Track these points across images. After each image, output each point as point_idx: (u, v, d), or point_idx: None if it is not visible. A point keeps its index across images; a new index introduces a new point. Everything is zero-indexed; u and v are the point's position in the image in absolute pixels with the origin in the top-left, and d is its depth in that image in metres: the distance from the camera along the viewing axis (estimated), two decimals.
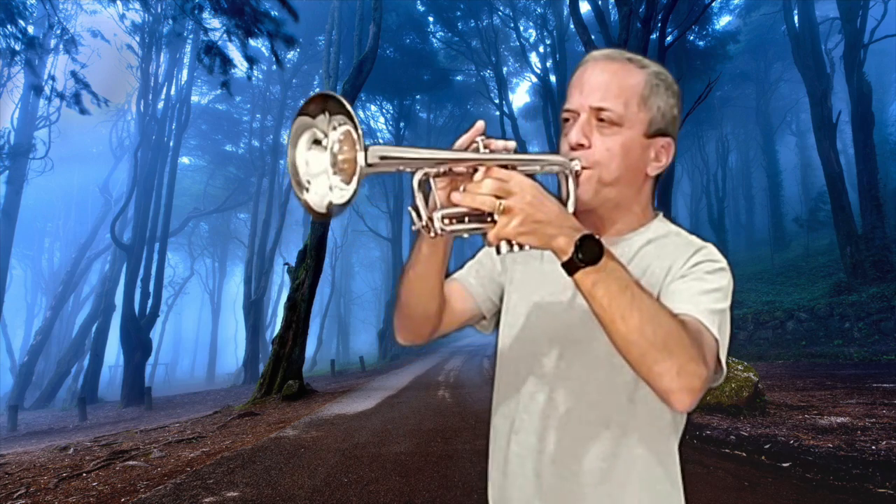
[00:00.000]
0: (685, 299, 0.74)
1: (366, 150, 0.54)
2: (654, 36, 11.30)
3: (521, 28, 28.08)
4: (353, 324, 47.39)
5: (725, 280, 0.78)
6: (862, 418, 5.31)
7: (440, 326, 0.91)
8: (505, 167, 0.66)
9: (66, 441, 8.84)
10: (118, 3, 15.25)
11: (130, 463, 5.60)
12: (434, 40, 29.78)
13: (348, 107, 0.55)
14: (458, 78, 32.43)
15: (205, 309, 47.64)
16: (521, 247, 0.65)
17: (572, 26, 18.12)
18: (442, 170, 0.66)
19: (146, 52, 20.66)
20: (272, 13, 9.69)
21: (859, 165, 15.89)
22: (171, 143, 22.57)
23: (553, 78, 25.72)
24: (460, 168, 0.66)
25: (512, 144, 0.68)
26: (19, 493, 4.63)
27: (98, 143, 34.37)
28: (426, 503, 3.74)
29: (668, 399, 0.65)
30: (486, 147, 0.67)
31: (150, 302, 19.79)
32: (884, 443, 4.32)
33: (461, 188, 0.65)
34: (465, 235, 0.68)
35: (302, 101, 0.60)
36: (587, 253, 0.63)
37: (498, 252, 0.66)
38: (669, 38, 12.16)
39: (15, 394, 20.03)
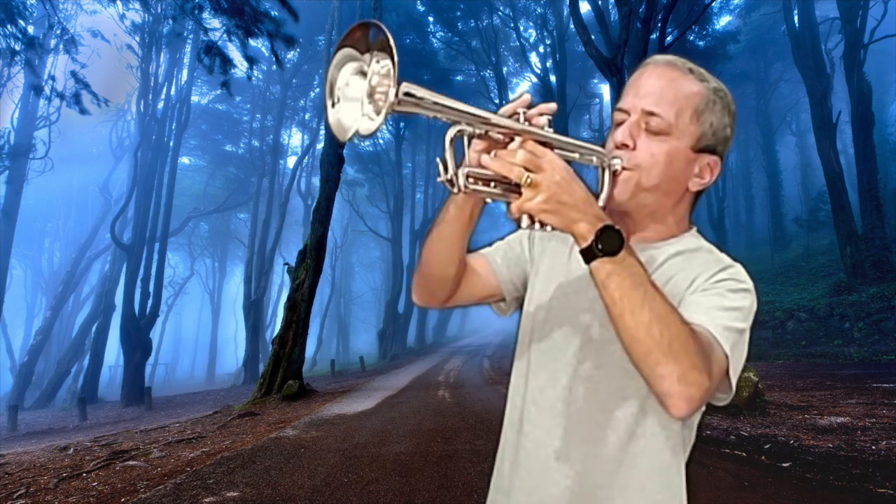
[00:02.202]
0: (701, 311, 0.73)
1: (399, 84, 0.56)
2: (654, 36, 11.31)
3: (521, 28, 28.09)
4: (353, 324, 47.40)
5: (748, 301, 0.76)
6: (862, 418, 5.31)
7: (457, 294, 0.91)
8: (543, 144, 0.66)
9: (66, 441, 8.84)
10: (118, 3, 15.25)
11: (130, 463, 5.60)
12: (434, 40, 29.79)
13: (391, 40, 0.57)
14: (458, 78, 32.42)
15: (205, 309, 47.65)
16: (542, 226, 0.65)
17: (572, 26, 18.10)
18: (479, 131, 0.66)
19: (146, 52, 20.66)
20: (272, 13, 9.70)
21: (859, 165, 15.88)
22: (171, 143, 22.57)
23: (553, 78, 25.71)
24: (497, 134, 0.66)
25: (553, 107, 0.69)
26: (19, 493, 4.63)
27: (98, 143, 34.39)
28: (426, 503, 3.74)
29: (666, 403, 0.65)
30: (527, 120, 0.67)
31: (150, 302, 19.80)
32: (884, 443, 4.32)
33: (493, 153, 0.65)
34: (489, 200, 0.69)
35: (346, 30, 0.63)
36: (607, 243, 0.63)
37: (518, 226, 0.66)
38: (669, 38, 12.17)
39: (15, 394, 20.04)
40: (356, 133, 0.60)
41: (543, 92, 25.21)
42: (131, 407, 16.69)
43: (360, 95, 0.61)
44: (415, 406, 8.65)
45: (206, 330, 44.30)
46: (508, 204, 0.66)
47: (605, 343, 0.81)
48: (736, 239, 31.86)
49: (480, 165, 0.66)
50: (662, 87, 0.79)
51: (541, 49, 28.85)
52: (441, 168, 0.65)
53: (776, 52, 27.38)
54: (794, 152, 35.02)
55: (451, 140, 0.65)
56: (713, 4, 19.89)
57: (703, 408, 0.77)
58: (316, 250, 12.48)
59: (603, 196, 0.75)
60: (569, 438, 0.81)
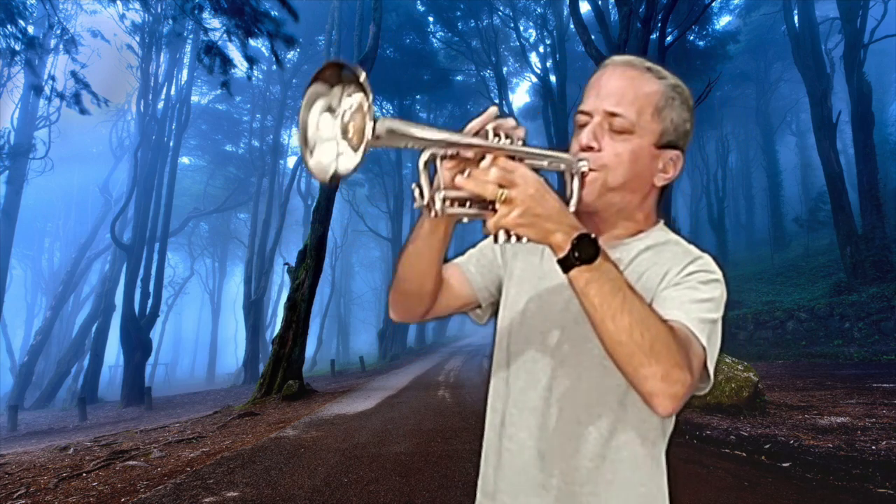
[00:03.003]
0: (676, 306, 0.75)
1: (375, 121, 0.55)
2: (654, 36, 11.30)
3: (521, 28, 28.07)
4: (353, 324, 47.40)
5: (718, 292, 0.78)
6: (862, 418, 5.31)
7: (434, 308, 0.91)
8: (512, 158, 0.67)
9: (66, 441, 8.84)
10: (118, 3, 15.25)
11: (130, 463, 5.60)
12: (434, 40, 29.77)
13: (362, 77, 0.56)
14: (458, 78, 32.42)
15: (205, 309, 47.66)
16: (518, 238, 0.66)
17: (572, 26, 18.11)
18: (450, 152, 0.66)
19: (146, 52, 20.66)
20: (272, 13, 9.69)
21: (859, 165, 15.88)
22: (171, 143, 22.56)
23: (553, 78, 25.71)
24: (468, 153, 0.67)
25: (521, 132, 0.69)
26: (19, 493, 4.63)
27: (98, 143, 34.39)
28: (426, 503, 3.74)
29: (651, 402, 0.66)
30: (496, 131, 0.67)
31: (150, 302, 19.79)
32: (884, 443, 4.32)
33: (466, 173, 0.66)
34: (465, 220, 0.70)
35: (317, 69, 0.61)
36: (583, 251, 0.64)
37: (496, 240, 0.67)
38: (669, 38, 12.16)
39: (15, 394, 20.03)
40: (335, 173, 0.59)
41: (543, 92, 25.22)
42: (131, 407, 16.69)
43: (333, 134, 0.60)
44: (415, 406, 8.65)
45: (206, 330, 44.32)
46: (484, 221, 0.67)
47: (583, 342, 0.83)
48: (736, 239, 31.87)
49: (454, 186, 0.66)
50: (623, 87, 0.81)
51: (541, 49, 28.85)
52: (416, 193, 0.66)
53: (776, 52, 27.38)
54: (794, 152, 35.03)
55: (426, 164, 0.65)
56: (713, 4, 19.90)
57: None
58: (316, 250, 12.48)
59: (573, 201, 0.77)
60: (551, 438, 0.83)
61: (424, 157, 0.65)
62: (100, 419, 14.23)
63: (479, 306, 0.97)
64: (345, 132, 0.59)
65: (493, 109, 0.69)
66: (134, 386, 17.98)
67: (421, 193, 0.66)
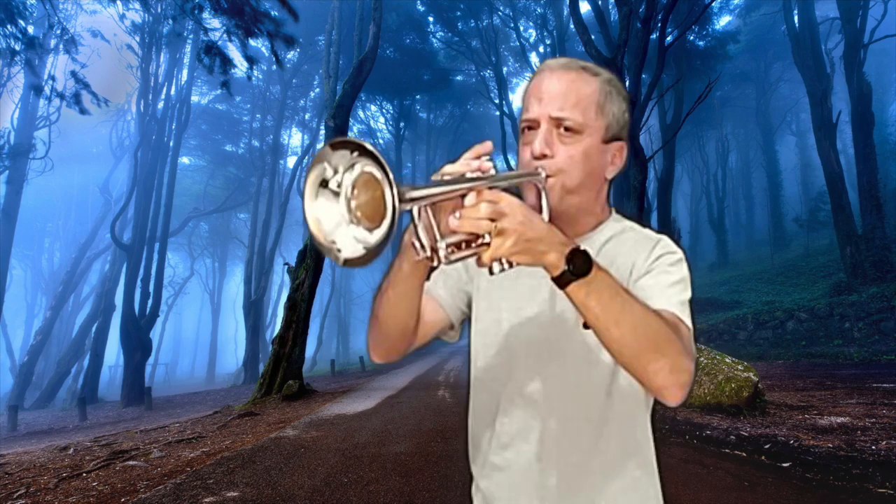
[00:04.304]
0: (657, 294, 0.77)
1: (397, 187, 0.52)
2: (654, 36, 11.31)
3: (521, 28, 28.08)
4: (353, 324, 47.35)
5: (685, 270, 0.82)
6: (862, 418, 5.31)
7: (415, 341, 0.91)
8: (491, 188, 0.66)
9: (66, 441, 8.84)
10: (118, 3, 15.25)
11: (130, 463, 5.60)
12: (434, 40, 29.78)
13: (369, 146, 0.53)
14: (458, 78, 32.43)
15: (205, 309, 47.65)
16: (510, 265, 0.66)
17: (572, 26, 18.10)
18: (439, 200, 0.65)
19: (146, 52, 20.65)
20: (272, 13, 9.68)
21: (859, 165, 15.88)
22: (171, 143, 22.56)
23: None
24: (458, 194, 0.66)
25: (489, 165, 0.68)
26: (19, 493, 4.63)
27: (98, 143, 34.37)
28: (426, 503, 3.74)
29: (662, 395, 0.68)
30: (477, 171, 0.67)
31: (150, 302, 19.79)
32: (884, 443, 4.32)
33: (456, 214, 0.64)
34: (466, 260, 0.68)
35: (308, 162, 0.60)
36: (578, 266, 0.65)
37: (491, 273, 0.66)
38: (669, 38, 12.17)
39: (15, 394, 20.03)
40: (367, 250, 0.56)
41: None
42: (131, 407, 16.69)
43: (338, 220, 0.58)
44: (415, 406, 8.65)
45: (206, 330, 44.33)
46: (478, 257, 0.66)
47: (563, 339, 0.84)
48: (736, 239, 31.86)
49: (449, 230, 0.65)
50: (564, 90, 0.82)
51: (541, 49, 28.85)
52: (417, 247, 0.64)
53: (776, 52, 27.38)
54: (794, 152, 35.03)
55: (419, 215, 0.64)
56: (713, 4, 19.89)
57: None
58: (316, 250, 12.48)
59: (545, 211, 0.78)
60: (546, 439, 0.83)
61: (416, 211, 0.64)
62: (100, 419, 14.23)
63: (453, 326, 0.96)
64: (350, 212, 0.58)
65: (475, 149, 0.69)
66: (134, 386, 17.97)
67: (422, 246, 0.65)
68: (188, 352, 54.72)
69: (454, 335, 0.99)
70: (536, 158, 0.82)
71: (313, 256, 12.41)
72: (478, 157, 0.68)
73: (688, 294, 0.79)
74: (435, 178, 0.66)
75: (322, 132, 22.58)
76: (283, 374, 11.60)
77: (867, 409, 5.83)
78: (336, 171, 0.58)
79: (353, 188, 0.57)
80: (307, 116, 31.79)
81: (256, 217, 28.11)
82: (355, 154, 0.55)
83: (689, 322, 0.76)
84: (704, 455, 4.59)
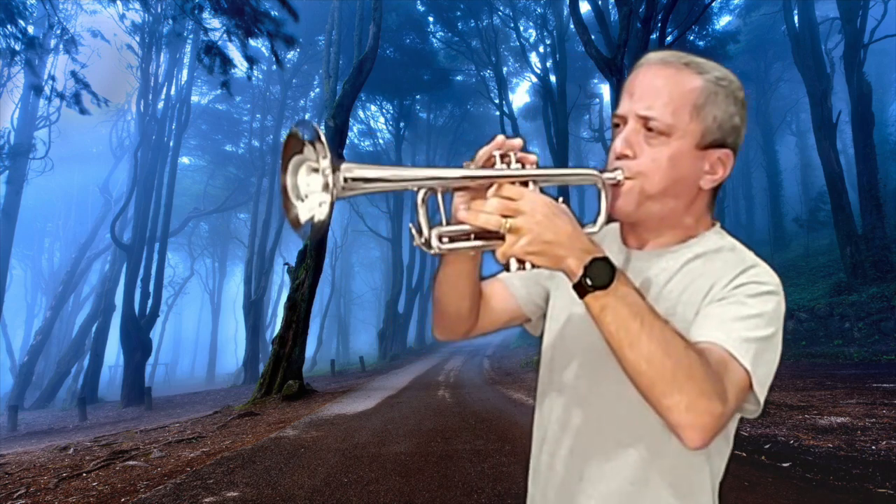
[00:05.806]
0: (716, 325, 0.69)
1: (336, 168, 0.56)
2: (654, 36, 11.31)
3: (521, 28, 28.04)
4: (353, 324, 47.40)
5: (771, 305, 0.72)
6: (862, 418, 5.31)
7: (477, 325, 0.90)
8: (525, 184, 0.65)
9: (66, 441, 8.84)
10: (118, 3, 15.25)
11: (130, 463, 5.60)
12: (434, 40, 29.76)
13: (317, 129, 0.57)
14: (458, 78, 32.40)
15: (205, 309, 47.65)
16: (532, 265, 0.64)
17: (572, 26, 18.10)
18: (455, 186, 0.65)
19: (146, 52, 20.66)
20: (272, 13, 9.68)
21: (859, 165, 15.87)
22: (171, 143, 22.57)
23: (553, 78, 25.71)
24: (474, 184, 0.65)
25: (532, 157, 0.66)
26: (19, 493, 4.63)
27: (98, 143, 34.38)
28: (426, 503, 3.74)
29: (679, 434, 0.62)
30: (504, 158, 0.66)
31: (150, 302, 19.80)
32: (884, 443, 4.32)
33: (468, 206, 0.64)
34: (472, 252, 0.68)
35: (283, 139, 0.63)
36: (596, 276, 0.62)
37: (507, 270, 0.65)
38: (669, 38, 12.18)
39: (15, 394, 20.03)
40: (311, 220, 0.59)
41: (543, 92, 25.23)
42: (131, 407, 16.69)
43: (319, 187, 0.60)
44: (415, 406, 8.65)
45: (206, 330, 44.31)
46: (494, 251, 0.65)
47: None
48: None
49: (457, 220, 0.65)
50: (657, 87, 0.75)
51: (541, 49, 28.82)
52: (414, 232, 0.64)
53: (776, 52, 27.38)
54: (794, 152, 35.03)
55: (424, 200, 0.64)
56: (713, 4, 19.89)
57: (738, 417, 0.76)
58: (316, 250, 12.48)
59: (602, 215, 0.75)
60: (591, 459, 0.79)
61: (420, 195, 0.64)
62: (100, 419, 14.23)
63: (529, 319, 0.95)
64: (326, 186, 0.59)
65: (499, 139, 0.67)
66: (134, 386, 17.98)
67: (420, 231, 0.64)
68: (188, 352, 54.70)
69: (534, 327, 0.96)
70: (617, 158, 0.77)
71: (313, 256, 12.41)
72: (500, 149, 0.66)
73: (761, 332, 0.69)
74: (466, 164, 0.65)
75: (322, 132, 22.54)
76: (283, 374, 11.60)
77: (867, 409, 5.83)
78: (312, 157, 0.60)
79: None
80: (307, 116, 31.77)
81: (256, 217, 28.11)
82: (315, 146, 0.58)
83: (747, 363, 0.66)
84: None
